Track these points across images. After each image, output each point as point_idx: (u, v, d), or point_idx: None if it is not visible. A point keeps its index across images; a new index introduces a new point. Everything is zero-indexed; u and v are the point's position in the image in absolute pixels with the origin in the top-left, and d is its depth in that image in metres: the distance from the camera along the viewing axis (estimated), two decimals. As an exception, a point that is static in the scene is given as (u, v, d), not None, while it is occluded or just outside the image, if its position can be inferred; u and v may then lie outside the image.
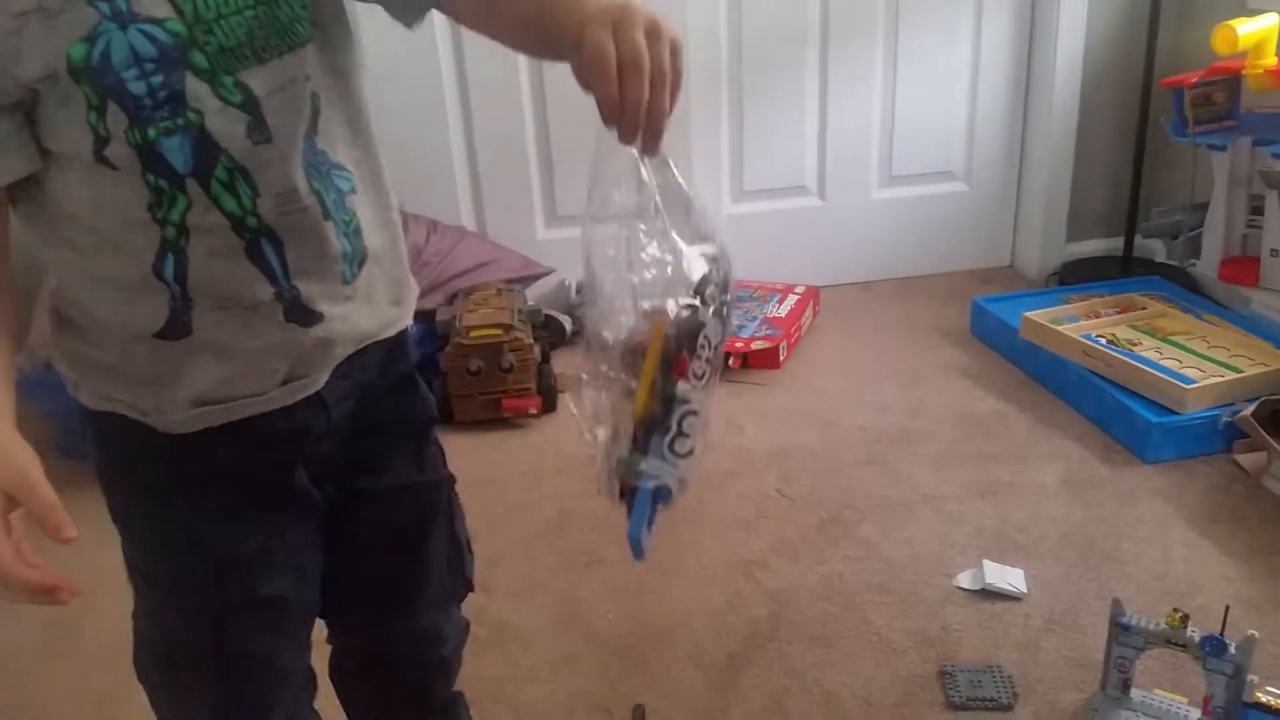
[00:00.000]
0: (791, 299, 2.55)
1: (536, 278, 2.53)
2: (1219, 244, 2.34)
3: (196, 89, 0.73)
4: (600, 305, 0.76)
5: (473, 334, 2.16)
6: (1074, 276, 2.70)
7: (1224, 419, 1.92)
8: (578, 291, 2.58)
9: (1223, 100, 2.15)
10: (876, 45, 2.64)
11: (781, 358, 2.38)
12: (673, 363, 0.75)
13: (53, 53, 0.69)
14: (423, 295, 2.39)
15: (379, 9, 0.85)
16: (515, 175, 2.57)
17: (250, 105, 0.75)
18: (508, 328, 2.17)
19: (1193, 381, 1.96)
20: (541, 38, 0.75)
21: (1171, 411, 1.95)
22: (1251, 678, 1.27)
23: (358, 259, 0.86)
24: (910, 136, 2.73)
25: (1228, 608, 1.27)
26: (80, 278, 0.82)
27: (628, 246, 0.74)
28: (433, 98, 2.47)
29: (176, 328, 0.80)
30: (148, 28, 0.70)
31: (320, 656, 1.06)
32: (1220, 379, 1.99)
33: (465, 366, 2.15)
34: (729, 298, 0.78)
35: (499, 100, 2.50)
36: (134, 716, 1.05)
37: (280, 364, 0.84)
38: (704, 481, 1.96)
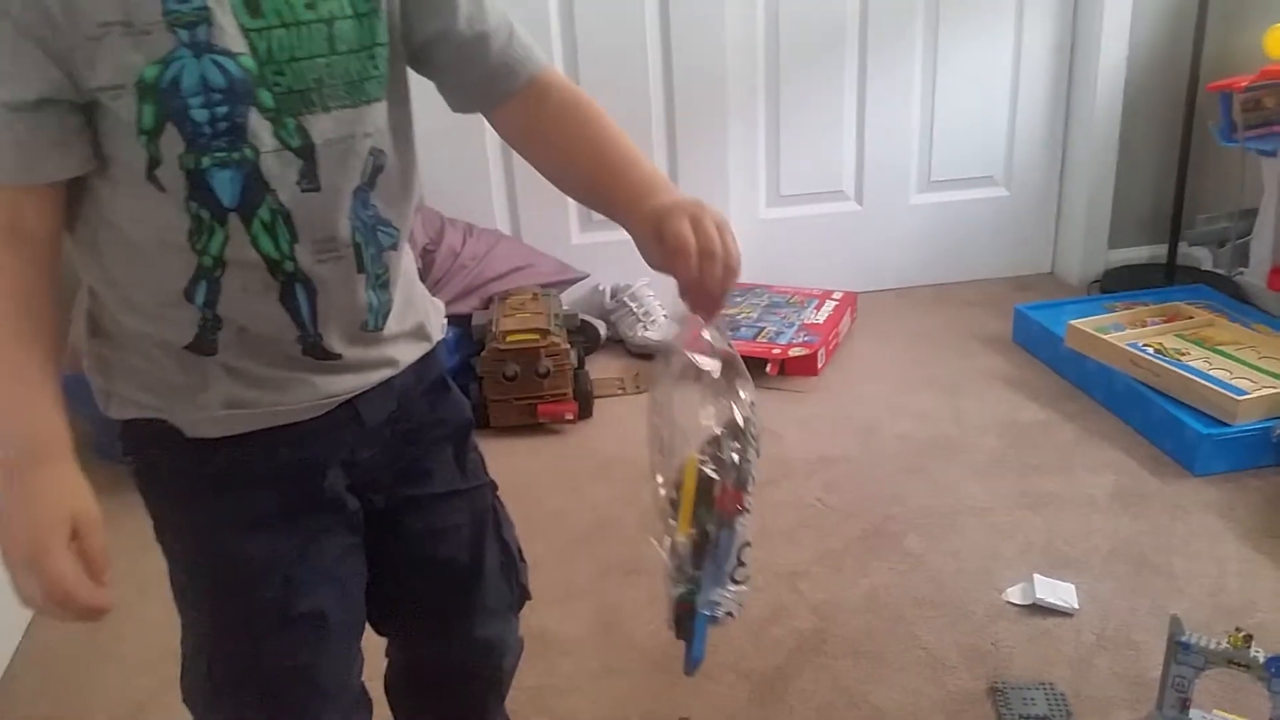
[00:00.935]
0: (829, 305, 2.52)
1: (571, 282, 2.52)
2: (1268, 251, 2.30)
3: (257, 126, 0.74)
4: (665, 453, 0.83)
5: (509, 339, 2.14)
6: (1116, 284, 2.66)
7: (1277, 432, 1.87)
8: (612, 296, 2.57)
9: (1273, 105, 2.11)
10: (915, 48, 2.61)
11: (820, 364, 2.35)
12: (720, 497, 0.82)
13: (126, 68, 0.69)
14: (458, 299, 2.42)
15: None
16: (550, 179, 2.55)
17: (306, 151, 0.76)
18: (544, 333, 2.16)
19: (1244, 393, 1.92)
20: (602, 205, 0.86)
21: (1222, 423, 1.91)
22: (1318, 700, 1.23)
23: (383, 311, 0.86)
24: (950, 141, 2.69)
25: (1294, 627, 1.24)
26: (114, 288, 0.82)
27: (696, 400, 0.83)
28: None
29: (204, 345, 0.81)
30: (221, 59, 0.71)
31: (375, 673, 1.04)
32: (1273, 390, 1.94)
33: (501, 371, 2.13)
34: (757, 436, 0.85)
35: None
36: (177, 724, 1.04)
37: (304, 385, 0.84)
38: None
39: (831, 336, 2.42)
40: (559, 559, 1.74)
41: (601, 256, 2.57)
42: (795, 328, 2.41)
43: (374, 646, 1.04)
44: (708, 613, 0.85)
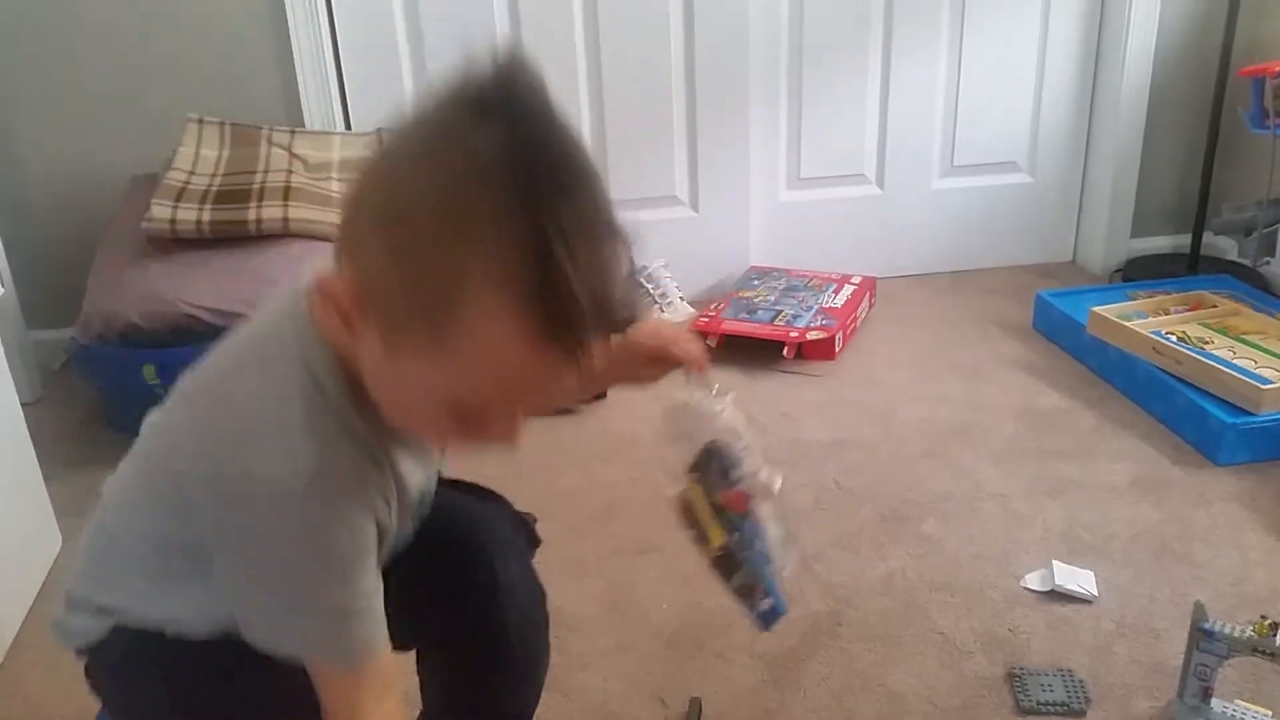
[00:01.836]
0: (848, 289, 2.49)
1: (588, 262, 2.49)
2: (1296, 241, 2.26)
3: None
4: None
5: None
6: (1138, 274, 2.63)
7: (1303, 422, 1.85)
8: (629, 277, 2.54)
9: (1306, 91, 2.07)
10: (941, 31, 2.57)
11: (837, 349, 2.33)
12: (727, 500, 1.00)
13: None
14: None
15: None
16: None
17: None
18: (560, 311, 2.14)
19: (1270, 382, 1.89)
20: (638, 378, 1.07)
21: (1246, 412, 1.88)
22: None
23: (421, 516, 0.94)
24: (974, 125, 2.66)
25: (1321, 616, 1.21)
26: (173, 624, 0.86)
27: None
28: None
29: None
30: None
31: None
32: (1299, 380, 1.91)
33: (516, 349, 2.11)
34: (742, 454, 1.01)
35: (554, 84, 2.45)
36: None
37: None
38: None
39: (850, 321, 2.39)
40: (572, 538, 1.72)
41: (618, 237, 2.55)
42: (813, 311, 2.39)
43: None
44: (773, 581, 1.01)
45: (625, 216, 0.68)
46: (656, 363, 1.04)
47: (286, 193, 2.08)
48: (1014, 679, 1.39)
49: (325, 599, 0.76)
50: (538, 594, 1.05)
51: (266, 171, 2.12)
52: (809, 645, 1.47)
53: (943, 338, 2.43)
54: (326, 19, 2.32)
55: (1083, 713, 1.33)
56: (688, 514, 1.04)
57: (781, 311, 2.40)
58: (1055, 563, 1.59)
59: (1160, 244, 2.77)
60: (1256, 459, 1.87)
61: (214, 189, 2.09)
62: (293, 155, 2.19)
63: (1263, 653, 1.24)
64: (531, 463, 1.92)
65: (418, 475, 0.86)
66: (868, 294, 2.52)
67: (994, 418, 2.07)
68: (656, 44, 2.44)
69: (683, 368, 1.03)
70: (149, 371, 1.87)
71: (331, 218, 2.16)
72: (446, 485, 0.99)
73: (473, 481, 1.08)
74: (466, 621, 0.99)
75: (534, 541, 1.09)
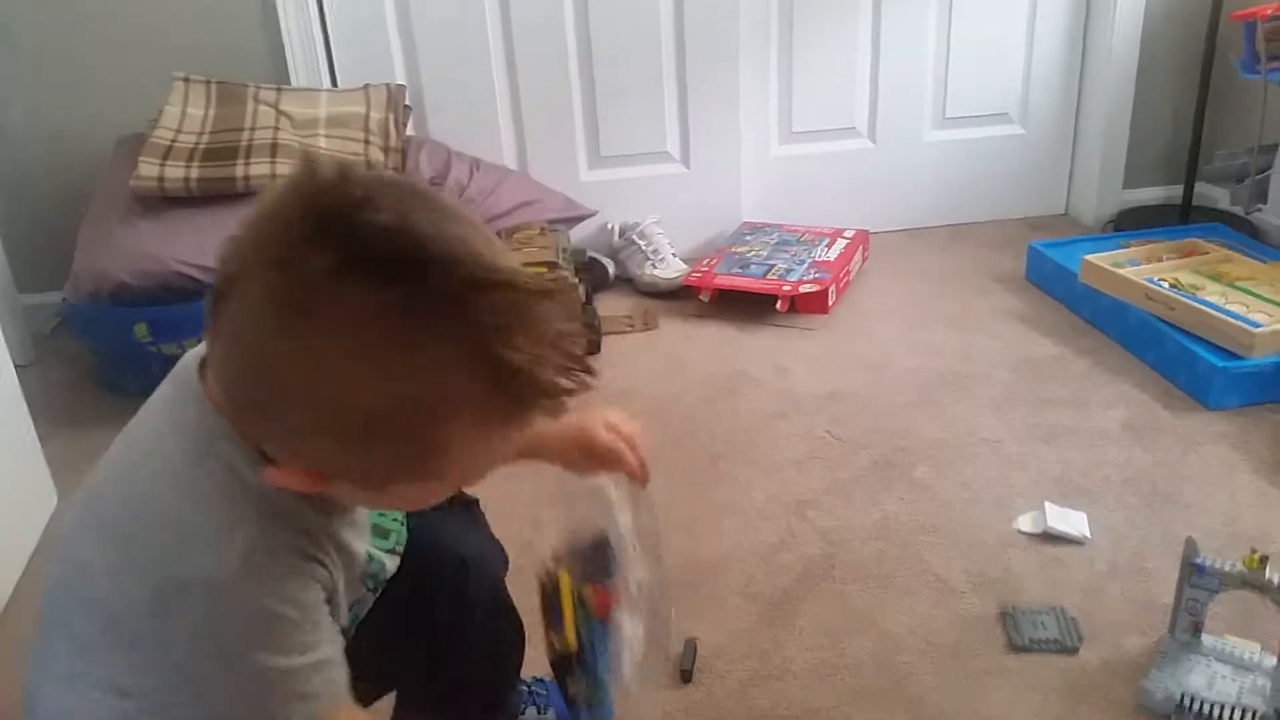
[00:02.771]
0: (840, 243, 2.49)
1: (580, 219, 2.49)
2: (1289, 187, 2.26)
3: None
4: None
5: (517, 272, 2.12)
6: (1131, 225, 2.62)
7: (1294, 364, 1.85)
8: (620, 234, 2.54)
9: (1299, 35, 2.06)
10: (931, -19, 2.55)
11: (830, 302, 2.33)
12: (592, 595, 0.95)
13: (340, 620, 0.81)
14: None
15: None
16: (558, 115, 2.52)
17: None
18: (552, 265, 2.13)
19: (1261, 326, 1.89)
20: (572, 465, 1.00)
21: (1237, 357, 1.88)
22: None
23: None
24: (965, 77, 2.65)
25: (1310, 548, 1.22)
26: None
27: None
28: (476, 36, 2.41)
29: None
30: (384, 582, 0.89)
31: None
32: (1290, 324, 1.91)
33: (509, 305, 2.11)
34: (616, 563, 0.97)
35: (543, 40, 2.44)
36: None
37: None
38: (752, 423, 1.92)
39: (843, 274, 2.39)
40: (565, 485, 1.73)
41: (610, 194, 2.54)
42: (806, 265, 2.38)
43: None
44: (609, 694, 0.97)
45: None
46: (595, 459, 0.98)
47: (274, 149, 2.07)
48: (1007, 618, 1.40)
49: (267, 672, 0.73)
50: (497, 567, 1.08)
51: (253, 129, 2.11)
52: (803, 587, 1.48)
53: (936, 290, 2.42)
54: (311, -25, 2.30)
55: (1075, 650, 1.35)
56: (549, 598, 0.96)
57: (774, 266, 2.40)
58: (1048, 504, 1.60)
59: (1153, 194, 2.76)
60: (1248, 402, 1.87)
61: (201, 147, 2.07)
62: (279, 112, 2.17)
63: (1253, 587, 1.25)
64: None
65: (362, 543, 0.84)
66: (861, 248, 2.51)
67: (987, 367, 2.07)
68: (645, -2, 2.42)
69: (624, 474, 0.98)
70: (140, 330, 1.86)
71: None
72: None
73: None
74: (439, 618, 0.99)
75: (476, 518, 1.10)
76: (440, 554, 0.99)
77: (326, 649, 0.77)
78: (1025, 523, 1.59)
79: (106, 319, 1.92)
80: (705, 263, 2.45)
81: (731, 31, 2.48)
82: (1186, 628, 1.32)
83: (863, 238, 2.54)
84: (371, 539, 0.87)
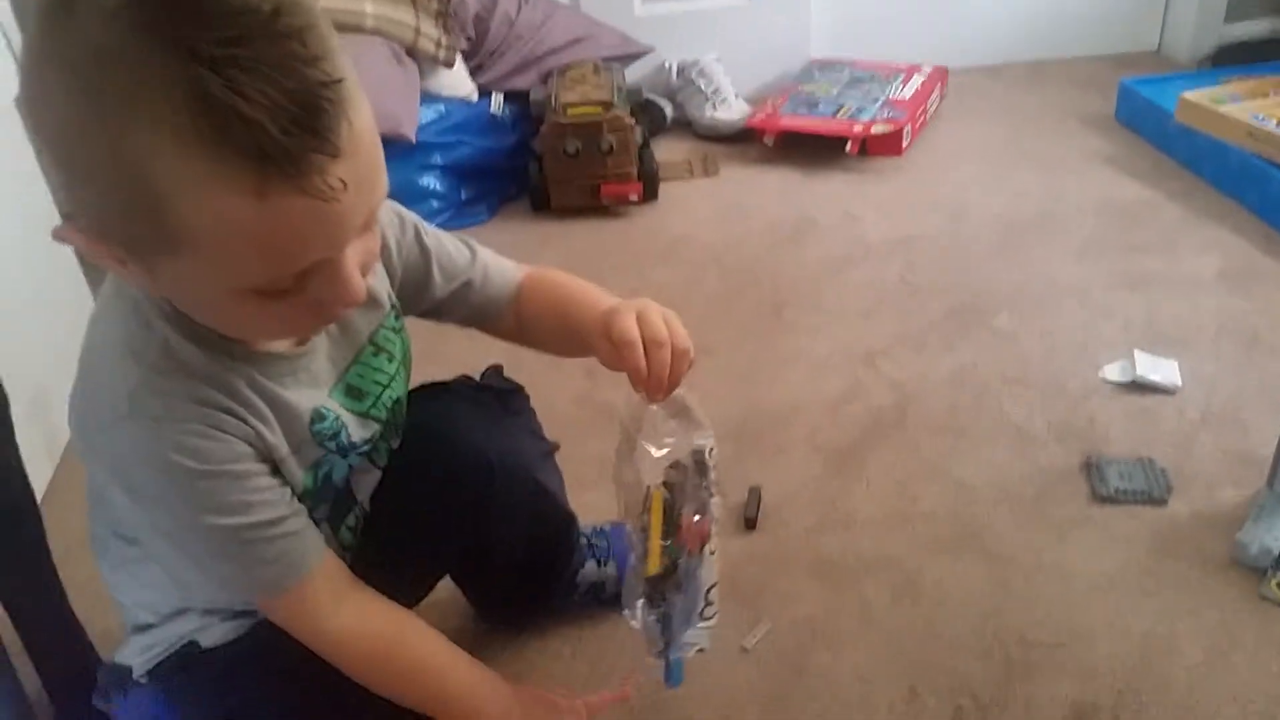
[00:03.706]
0: (916, 80, 2.33)
1: (635, 57, 2.35)
2: None
3: (370, 479, 0.89)
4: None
5: (570, 112, 2.01)
6: (1229, 61, 2.42)
7: None
8: (678, 74, 2.40)
9: None
10: None
11: (905, 143, 2.19)
12: (684, 529, 0.86)
13: (294, 480, 0.79)
14: (515, 73, 2.29)
15: None
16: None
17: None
18: (607, 105, 2.02)
19: (1379, 164, 1.73)
20: (570, 342, 0.91)
21: (1349, 198, 1.73)
22: None
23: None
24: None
25: None
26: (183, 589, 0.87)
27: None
28: None
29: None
30: (364, 448, 0.85)
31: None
32: None
33: (562, 147, 2.01)
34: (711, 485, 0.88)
35: None
36: None
37: None
38: (818, 271, 1.83)
39: (919, 114, 2.24)
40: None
41: (667, 30, 2.40)
42: (879, 104, 2.24)
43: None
44: (680, 655, 0.92)
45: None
46: (601, 338, 0.81)
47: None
48: (1091, 468, 1.32)
49: (212, 533, 0.73)
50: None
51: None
52: (872, 437, 1.42)
53: (1018, 130, 2.28)
54: None
55: (1164, 501, 1.27)
56: (644, 512, 0.87)
57: (845, 105, 2.25)
58: (1137, 352, 1.50)
59: (1257, 29, 2.54)
60: (1358, 249, 1.74)
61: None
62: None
63: (1367, 436, 1.16)
64: (580, 266, 1.84)
65: (311, 397, 0.79)
66: (938, 85, 2.35)
67: (1072, 211, 1.94)
68: None
69: (636, 388, 0.80)
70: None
71: (408, 18, 2.04)
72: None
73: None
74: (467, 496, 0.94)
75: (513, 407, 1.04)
76: (464, 454, 0.92)
77: (266, 511, 0.75)
78: (1112, 371, 1.49)
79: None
80: (769, 103, 2.31)
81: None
82: (1287, 481, 1.24)
83: (940, 74, 2.37)
84: (341, 398, 0.82)
